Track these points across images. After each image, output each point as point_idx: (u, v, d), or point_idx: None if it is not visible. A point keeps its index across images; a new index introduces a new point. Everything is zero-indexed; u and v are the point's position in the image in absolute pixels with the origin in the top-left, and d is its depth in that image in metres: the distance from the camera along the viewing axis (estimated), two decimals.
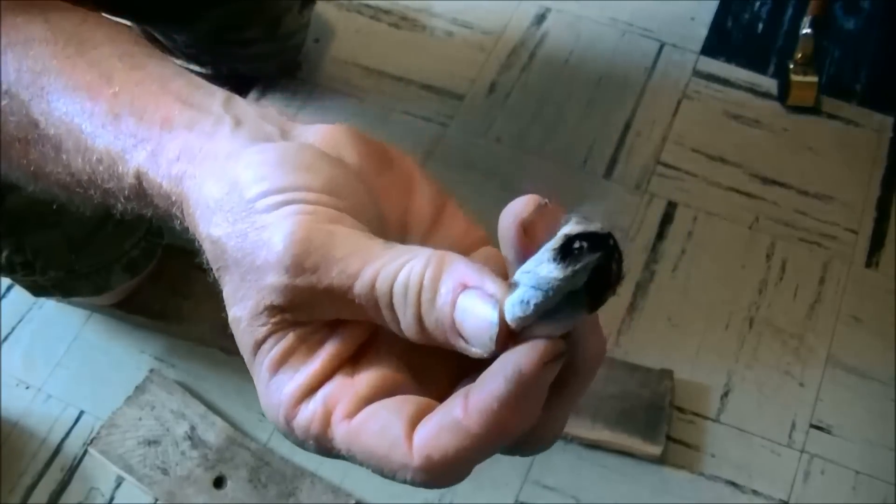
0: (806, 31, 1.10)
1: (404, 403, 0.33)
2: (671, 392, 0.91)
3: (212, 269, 0.36)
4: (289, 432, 0.34)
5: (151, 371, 0.93)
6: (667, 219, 1.04)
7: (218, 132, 0.37)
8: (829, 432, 0.91)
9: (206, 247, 0.36)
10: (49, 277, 0.85)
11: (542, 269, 0.29)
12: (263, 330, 0.34)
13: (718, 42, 1.19)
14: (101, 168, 0.39)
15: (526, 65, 1.16)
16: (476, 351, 0.32)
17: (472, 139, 1.10)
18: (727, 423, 0.92)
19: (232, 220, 0.34)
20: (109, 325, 0.97)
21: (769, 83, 1.15)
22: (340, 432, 0.33)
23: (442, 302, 0.32)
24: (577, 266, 0.29)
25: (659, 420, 0.89)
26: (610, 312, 0.98)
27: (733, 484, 0.89)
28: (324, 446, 0.34)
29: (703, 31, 1.20)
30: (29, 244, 0.81)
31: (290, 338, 0.34)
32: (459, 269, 0.32)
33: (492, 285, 0.31)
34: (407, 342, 0.33)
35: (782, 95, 1.13)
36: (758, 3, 1.22)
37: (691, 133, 1.11)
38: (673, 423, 0.91)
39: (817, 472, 0.89)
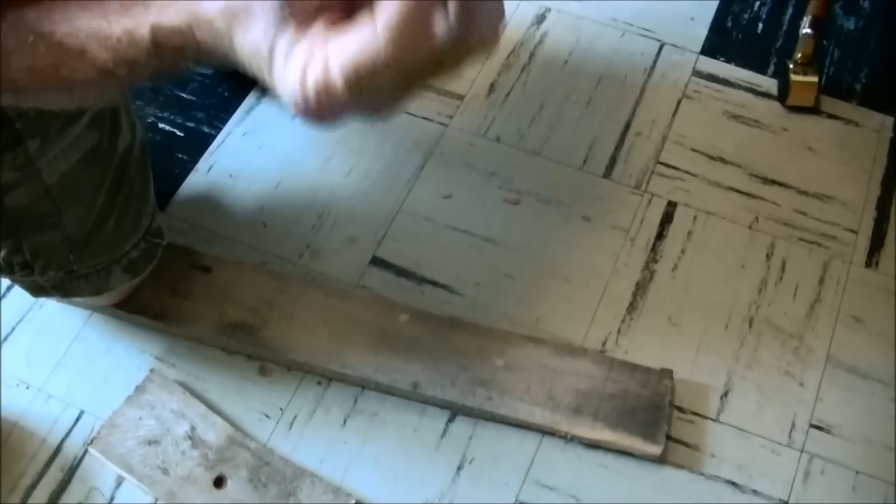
0: (806, 31, 1.10)
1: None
2: (671, 392, 0.91)
3: (248, 68, 0.47)
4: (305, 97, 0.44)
5: (151, 371, 0.93)
6: (667, 219, 1.04)
7: None
8: (829, 432, 0.91)
9: (220, 24, 0.46)
10: (48, 278, 0.85)
11: None
12: (272, 32, 0.45)
13: (718, 42, 1.19)
14: (121, 46, 0.50)
15: (526, 65, 1.16)
16: None
17: (472, 139, 1.10)
18: (727, 423, 0.92)
19: None
20: (109, 325, 0.97)
21: (769, 83, 1.15)
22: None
23: None
24: None
25: (659, 420, 0.89)
26: (610, 312, 0.98)
27: (733, 484, 0.89)
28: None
29: (703, 31, 1.20)
30: (27, 244, 0.81)
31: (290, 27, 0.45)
32: None
33: None
34: None
35: (782, 95, 1.13)
36: (758, 3, 1.22)
37: (691, 133, 1.11)
38: (673, 423, 0.91)
39: (817, 472, 0.89)
